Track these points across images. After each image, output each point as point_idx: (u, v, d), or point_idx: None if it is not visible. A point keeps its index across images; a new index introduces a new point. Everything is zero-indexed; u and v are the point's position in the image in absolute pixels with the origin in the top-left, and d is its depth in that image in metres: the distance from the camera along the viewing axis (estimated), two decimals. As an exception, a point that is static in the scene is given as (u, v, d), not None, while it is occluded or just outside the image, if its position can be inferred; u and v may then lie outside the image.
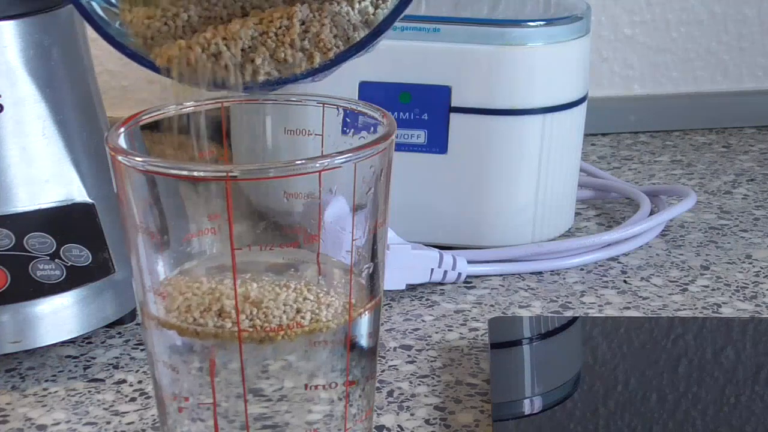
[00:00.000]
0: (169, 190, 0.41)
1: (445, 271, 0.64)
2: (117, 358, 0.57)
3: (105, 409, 0.53)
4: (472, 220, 0.68)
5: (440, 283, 0.65)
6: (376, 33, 0.43)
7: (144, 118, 0.43)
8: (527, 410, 0.51)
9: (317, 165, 0.40)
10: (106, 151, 0.41)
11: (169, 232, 0.42)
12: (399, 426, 0.51)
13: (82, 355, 0.57)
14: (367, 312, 0.43)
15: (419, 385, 0.55)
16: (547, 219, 0.69)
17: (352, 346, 0.42)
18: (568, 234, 0.72)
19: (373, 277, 0.43)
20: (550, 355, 0.56)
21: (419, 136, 0.67)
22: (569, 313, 0.62)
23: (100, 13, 0.45)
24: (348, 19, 0.44)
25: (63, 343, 0.57)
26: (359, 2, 0.45)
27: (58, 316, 0.54)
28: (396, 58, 0.66)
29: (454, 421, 0.51)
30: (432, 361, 0.57)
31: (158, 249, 0.42)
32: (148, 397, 0.53)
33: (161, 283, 0.42)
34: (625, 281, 0.66)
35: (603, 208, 0.77)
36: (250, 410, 0.41)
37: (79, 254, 0.54)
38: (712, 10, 0.95)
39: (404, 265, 0.63)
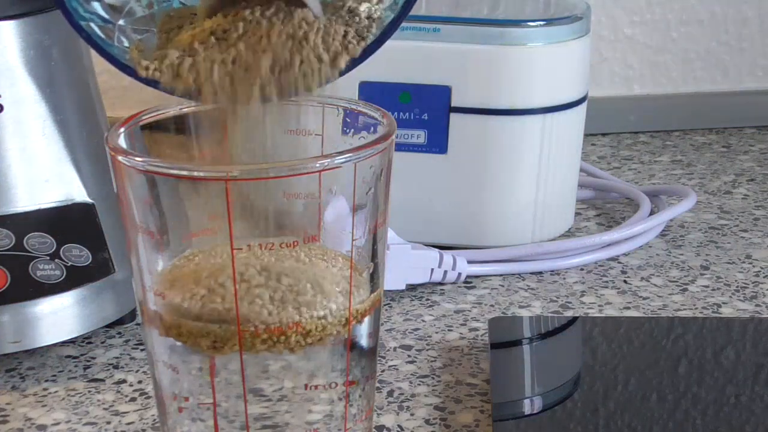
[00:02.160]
0: (169, 190, 0.41)
1: (445, 271, 0.64)
2: (117, 358, 0.57)
3: (105, 409, 0.53)
4: (472, 220, 0.68)
5: (440, 283, 0.65)
6: (385, 34, 0.43)
7: (144, 118, 0.43)
8: (527, 410, 0.51)
9: (317, 165, 0.40)
10: (106, 151, 0.41)
11: (169, 232, 0.42)
12: (399, 426, 0.51)
13: (82, 355, 0.57)
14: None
15: (419, 385, 0.55)
16: (547, 219, 0.69)
17: (352, 346, 0.42)
18: (568, 234, 0.72)
19: (373, 277, 0.43)
20: (550, 355, 0.56)
21: (419, 136, 0.67)
22: (569, 313, 0.62)
23: (99, 33, 0.44)
24: (358, 19, 0.44)
25: (63, 343, 0.57)
26: (360, 3, 0.45)
27: (58, 316, 0.54)
28: (396, 58, 0.66)
29: (454, 421, 0.51)
30: (432, 361, 0.57)
31: (158, 249, 0.42)
32: (148, 397, 0.53)
33: (160, 274, 0.42)
34: (625, 281, 0.66)
35: (603, 208, 0.77)
36: (250, 410, 0.41)
37: (79, 254, 0.54)
38: (712, 10, 0.95)
39: (404, 265, 0.63)
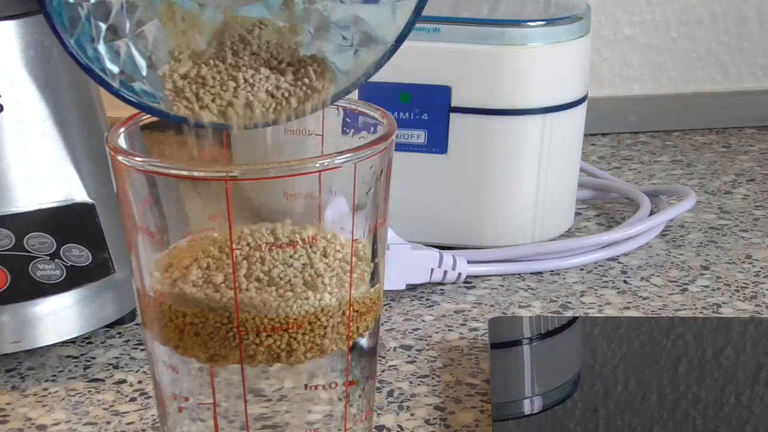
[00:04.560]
0: (169, 190, 0.41)
1: (445, 271, 0.64)
2: (117, 358, 0.57)
3: (105, 409, 0.53)
4: (472, 220, 0.68)
5: (440, 283, 0.65)
6: (401, 39, 0.44)
7: (144, 118, 0.43)
8: (527, 410, 0.51)
9: (317, 165, 0.40)
10: (106, 151, 0.41)
11: (169, 232, 0.42)
12: (399, 426, 0.51)
13: (82, 355, 0.57)
14: (367, 312, 0.43)
15: (419, 385, 0.55)
16: (547, 219, 0.69)
17: (352, 346, 0.42)
18: (568, 234, 0.72)
19: (373, 278, 0.43)
20: (550, 355, 0.56)
21: (419, 136, 0.67)
22: (569, 313, 0.62)
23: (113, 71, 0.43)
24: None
25: (63, 343, 0.57)
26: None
27: (58, 316, 0.54)
28: (396, 58, 0.66)
29: (454, 421, 0.51)
30: (432, 361, 0.57)
31: (158, 249, 0.42)
32: (148, 397, 0.53)
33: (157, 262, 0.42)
34: (625, 281, 0.66)
35: (603, 208, 0.77)
36: (250, 410, 0.41)
37: (79, 254, 0.54)
38: (712, 10, 0.95)
39: (404, 265, 0.63)
